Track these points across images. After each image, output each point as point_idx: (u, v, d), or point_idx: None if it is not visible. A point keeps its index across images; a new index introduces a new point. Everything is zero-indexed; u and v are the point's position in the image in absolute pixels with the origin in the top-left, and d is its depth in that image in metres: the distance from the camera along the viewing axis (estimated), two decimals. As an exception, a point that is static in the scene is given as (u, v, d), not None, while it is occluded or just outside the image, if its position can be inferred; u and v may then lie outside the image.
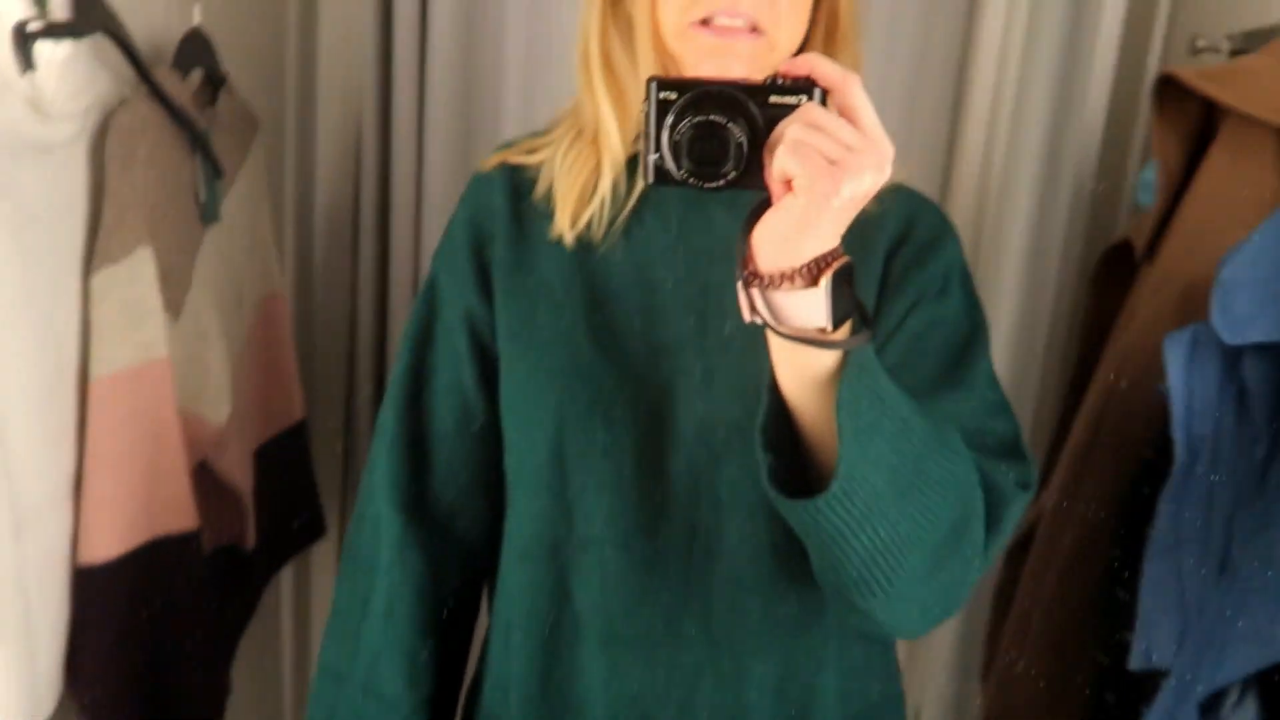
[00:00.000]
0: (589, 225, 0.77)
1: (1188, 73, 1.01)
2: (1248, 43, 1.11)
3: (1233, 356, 0.84)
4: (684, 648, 0.76)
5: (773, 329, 0.60)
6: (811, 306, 0.59)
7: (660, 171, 0.62)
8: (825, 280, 0.58)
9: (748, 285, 0.60)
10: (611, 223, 0.77)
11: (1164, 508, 0.90)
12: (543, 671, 0.79)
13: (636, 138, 0.76)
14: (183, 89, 1.04)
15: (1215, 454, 0.87)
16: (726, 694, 0.76)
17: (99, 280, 0.90)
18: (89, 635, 0.92)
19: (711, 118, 0.60)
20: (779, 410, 0.64)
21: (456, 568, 0.84)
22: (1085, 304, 1.19)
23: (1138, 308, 1.02)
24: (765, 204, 0.60)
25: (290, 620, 1.66)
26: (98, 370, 0.90)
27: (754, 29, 0.69)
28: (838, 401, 0.60)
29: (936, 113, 1.49)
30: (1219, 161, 0.98)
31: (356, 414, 1.59)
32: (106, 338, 0.90)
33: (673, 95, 0.61)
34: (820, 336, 0.60)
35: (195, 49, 1.10)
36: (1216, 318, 0.81)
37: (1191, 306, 0.94)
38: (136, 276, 0.92)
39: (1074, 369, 1.22)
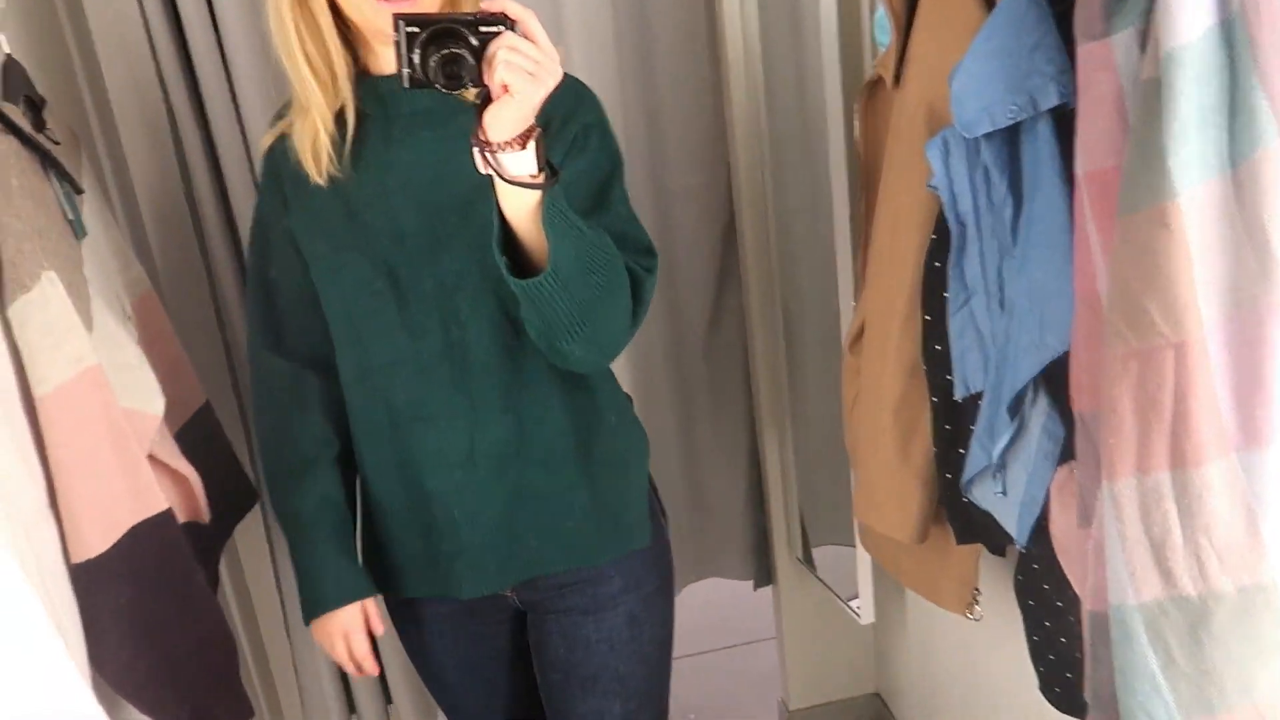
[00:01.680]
0: (331, 165, 1.13)
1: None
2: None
3: (974, 147, 1.08)
4: (459, 414, 1.18)
5: (500, 176, 0.97)
6: (524, 161, 0.97)
7: (414, 80, 0.92)
8: (530, 143, 0.96)
9: (483, 152, 0.96)
10: (342, 159, 1.14)
11: (952, 272, 1.14)
12: (391, 447, 1.21)
13: (336, 96, 1.12)
14: (21, 116, 1.08)
15: (978, 223, 1.11)
16: (490, 436, 1.19)
17: (15, 310, 0.96)
18: (102, 621, 1.01)
19: (452, 50, 0.91)
20: (506, 231, 1.02)
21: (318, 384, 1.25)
22: (856, 133, 1.42)
23: (899, 126, 1.25)
24: (488, 99, 0.93)
25: (231, 588, 1.75)
26: (40, 390, 0.97)
27: None
28: (542, 218, 0.98)
29: (693, 7, 1.68)
30: (931, -2, 1.20)
31: (245, 387, 1.66)
32: (39, 359, 0.97)
33: (415, 29, 0.91)
34: (530, 180, 0.97)
35: (15, 77, 1.13)
36: (956, 121, 1.04)
37: (936, 117, 1.17)
38: (49, 298, 0.98)
39: (861, 186, 1.46)
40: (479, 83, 0.92)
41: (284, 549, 1.68)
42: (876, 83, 1.37)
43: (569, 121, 1.13)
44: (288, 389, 1.24)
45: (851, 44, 1.57)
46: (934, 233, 1.19)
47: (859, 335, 1.36)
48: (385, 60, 1.14)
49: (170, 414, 1.31)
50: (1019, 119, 1.01)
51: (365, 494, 1.29)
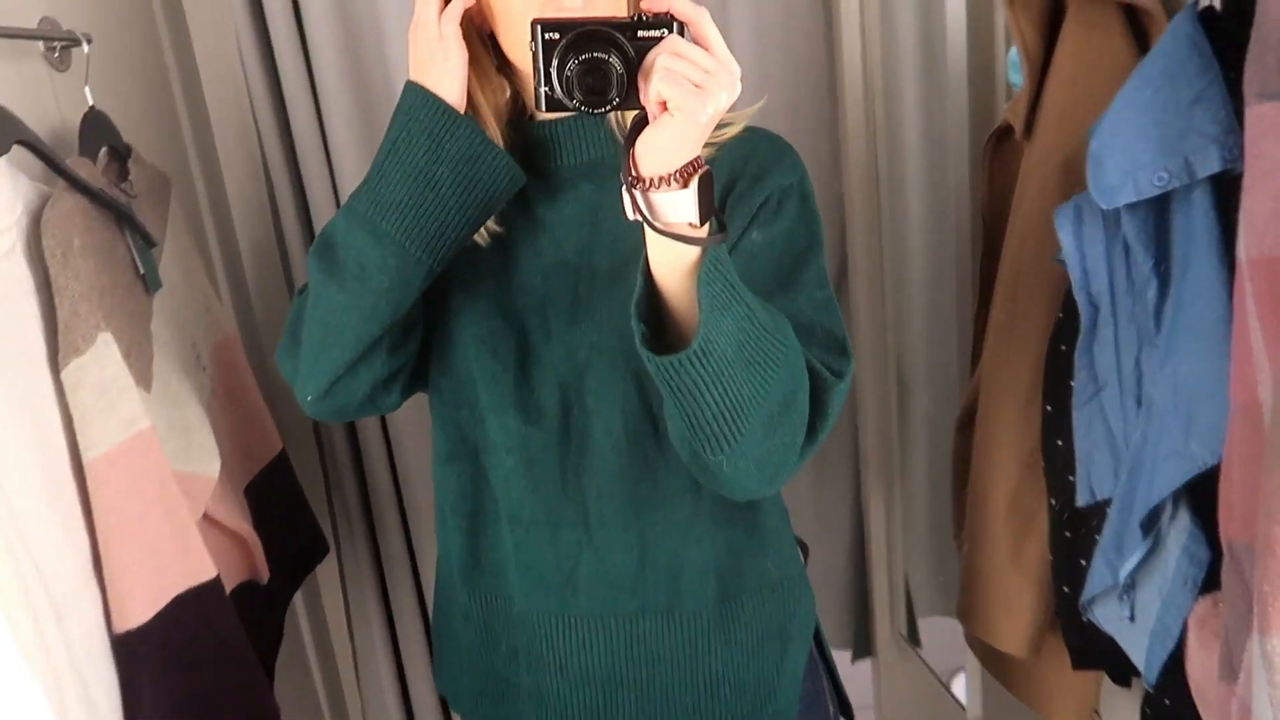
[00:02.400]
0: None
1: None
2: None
3: (1112, 217, 0.93)
4: (564, 527, 0.95)
5: (649, 224, 0.74)
6: (683, 204, 0.73)
7: (551, 101, 0.75)
8: (694, 182, 0.72)
9: (631, 188, 0.73)
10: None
11: (1080, 360, 1.00)
12: (470, 545, 1.01)
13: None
14: (95, 171, 1.06)
15: (1114, 305, 0.97)
16: (601, 562, 0.95)
17: (69, 373, 0.93)
18: (141, 689, 0.98)
19: (595, 54, 0.72)
20: (650, 291, 0.78)
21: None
22: (982, 189, 1.28)
23: (1026, 185, 1.11)
24: (643, 122, 0.72)
25: (310, 636, 1.73)
26: (89, 454, 0.94)
27: None
28: (698, 281, 0.74)
29: (811, 36, 1.56)
30: (1072, 37, 1.06)
31: (327, 432, 1.64)
32: (90, 423, 0.94)
33: (556, 35, 0.73)
34: (689, 232, 0.74)
35: (96, 129, 1.12)
36: (1092, 187, 0.90)
37: (1072, 177, 1.03)
38: (103, 360, 0.95)
39: (984, 249, 1.31)
40: (632, 101, 0.72)
41: (354, 568, 1.65)
42: (1006, 131, 1.24)
43: (760, 182, 0.90)
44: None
45: (983, 84, 1.43)
46: (1061, 311, 1.04)
47: (969, 418, 1.22)
48: None
49: (242, 464, 1.30)
50: (1169, 188, 0.87)
51: (440, 588, 1.11)
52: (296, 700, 1.64)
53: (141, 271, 1.09)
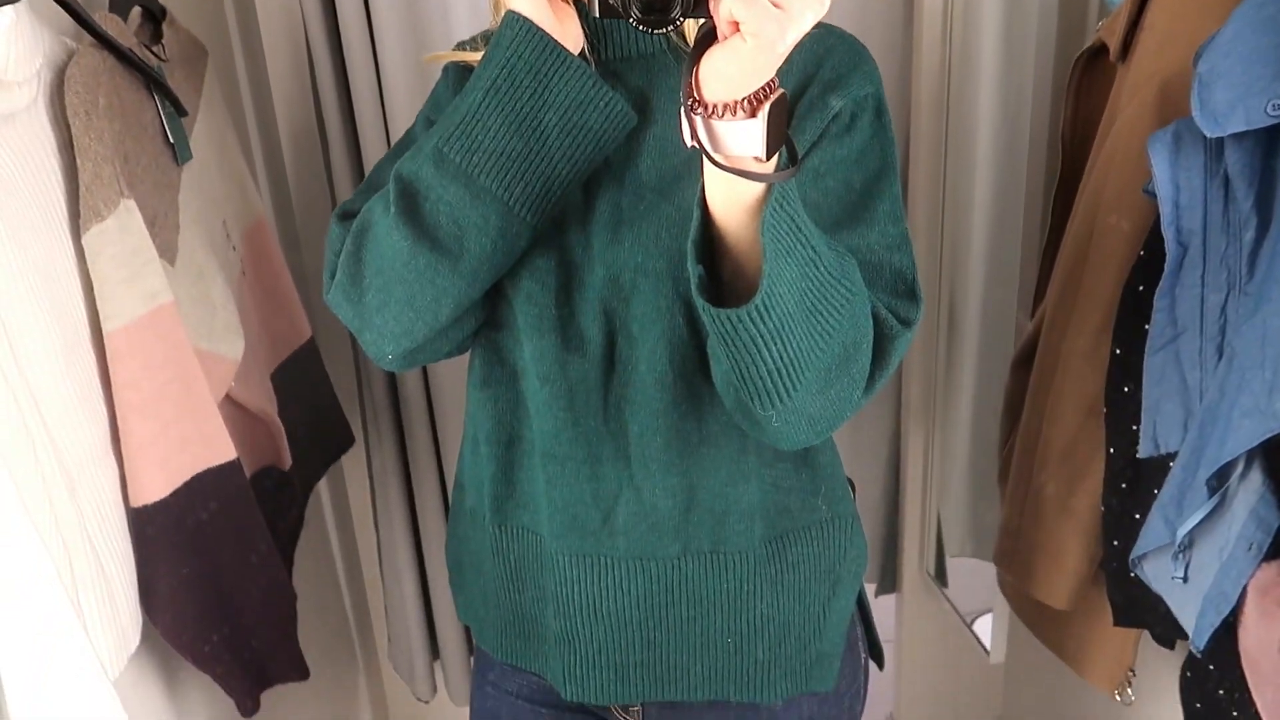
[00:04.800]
0: None
1: None
2: None
3: (1215, 148, 0.85)
4: (604, 464, 0.87)
5: (709, 157, 0.64)
6: (749, 135, 0.63)
7: (606, 6, 0.66)
8: (763, 112, 0.62)
9: (690, 112, 0.63)
10: None
11: (1160, 303, 0.92)
12: (503, 476, 0.94)
13: None
14: (125, 30, 1.01)
15: (1205, 245, 0.89)
16: (643, 504, 0.88)
17: (90, 239, 0.89)
18: (156, 568, 0.97)
19: None
20: (708, 229, 0.69)
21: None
22: (1065, 113, 1.19)
23: (1117, 110, 1.02)
24: (710, 35, 0.62)
25: (335, 528, 1.74)
26: (109, 325, 0.91)
27: None
28: (762, 225, 0.65)
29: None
30: (1186, -53, 0.96)
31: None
32: (110, 293, 0.91)
33: None
34: (754, 168, 0.64)
35: (129, -16, 1.06)
36: (1197, 112, 0.81)
37: (1170, 103, 0.94)
38: (126, 228, 0.91)
39: (1060, 178, 1.22)
40: (700, 10, 0.62)
41: (385, 489, 1.64)
42: (1099, 52, 1.14)
43: (835, 90, 0.80)
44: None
45: (1076, 4, 1.32)
46: (1144, 249, 0.96)
47: (1028, 357, 1.15)
48: None
49: (270, 349, 1.27)
50: (1285, 119, 0.78)
51: (463, 518, 1.03)
52: (318, 589, 1.64)
53: (171, 140, 1.04)
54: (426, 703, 1.79)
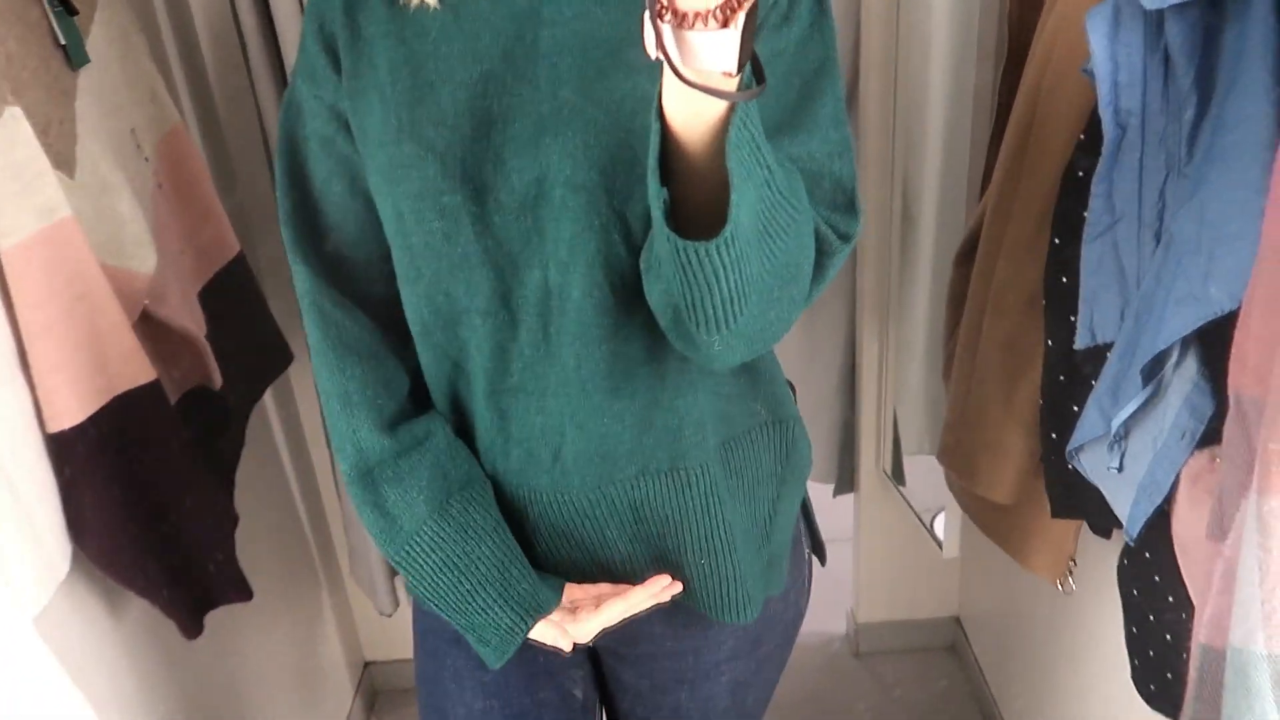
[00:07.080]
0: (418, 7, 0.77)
1: None
2: None
3: (1155, 21, 0.81)
4: (549, 394, 0.83)
5: (676, 72, 0.57)
6: (721, 47, 0.56)
7: None
8: (738, 20, 0.55)
9: (657, 19, 0.57)
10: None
11: (1098, 188, 0.89)
12: (453, 419, 0.90)
13: None
14: (2, -82, 0.93)
15: (1144, 125, 0.85)
16: (592, 429, 0.84)
17: (-26, 149, 0.84)
18: (83, 496, 0.94)
19: None
20: (666, 151, 0.63)
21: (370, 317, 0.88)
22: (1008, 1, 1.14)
23: (1060, -13, 0.97)
24: None
25: (286, 447, 1.71)
26: (4, 243, 0.87)
27: None
28: (728, 145, 0.59)
29: None
30: None
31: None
32: (2, 209, 0.86)
33: None
34: (721, 84, 0.58)
35: None
36: (1135, -18, 0.77)
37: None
38: (14, 137, 0.86)
39: (1006, 61, 1.18)
40: None
41: None
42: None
43: None
44: (313, 345, 0.89)
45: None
46: (1083, 132, 0.93)
47: (971, 249, 1.12)
48: None
49: (195, 265, 1.22)
50: (1228, -12, 0.75)
51: None
52: (273, 509, 1.63)
53: (62, 42, 0.97)
54: (389, 616, 1.80)
